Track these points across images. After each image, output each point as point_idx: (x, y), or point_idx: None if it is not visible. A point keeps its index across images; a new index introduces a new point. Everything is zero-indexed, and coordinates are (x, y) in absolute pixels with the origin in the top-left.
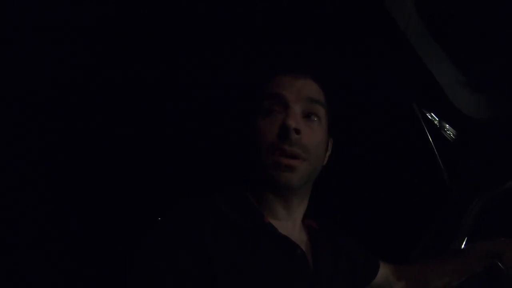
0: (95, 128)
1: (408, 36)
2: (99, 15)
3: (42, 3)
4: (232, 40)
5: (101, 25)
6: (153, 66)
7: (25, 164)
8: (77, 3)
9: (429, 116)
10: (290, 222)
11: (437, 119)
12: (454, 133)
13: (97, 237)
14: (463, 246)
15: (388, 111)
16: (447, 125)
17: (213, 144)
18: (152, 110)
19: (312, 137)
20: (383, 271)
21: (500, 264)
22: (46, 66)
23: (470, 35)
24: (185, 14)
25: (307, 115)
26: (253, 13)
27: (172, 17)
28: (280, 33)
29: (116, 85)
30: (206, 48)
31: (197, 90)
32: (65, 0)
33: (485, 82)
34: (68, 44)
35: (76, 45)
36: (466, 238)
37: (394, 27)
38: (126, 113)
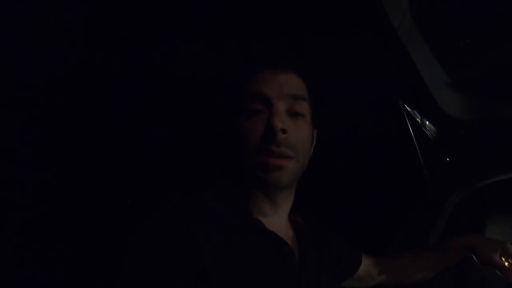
0: (82, 126)
1: (400, 33)
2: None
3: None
4: (213, 35)
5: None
6: (136, 63)
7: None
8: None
9: (412, 113)
10: (277, 218)
11: (419, 116)
12: (434, 131)
13: (83, 235)
14: (439, 240)
15: (374, 106)
16: (428, 123)
17: (199, 140)
18: (137, 108)
19: (299, 134)
20: (365, 264)
21: (474, 258)
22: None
23: (459, 39)
24: (166, 10)
25: (292, 113)
26: (235, 7)
27: (152, 13)
28: (266, 28)
29: (102, 85)
30: (187, 44)
31: (179, 86)
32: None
33: (470, 85)
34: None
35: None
36: (442, 233)
37: (387, 23)
38: (111, 113)
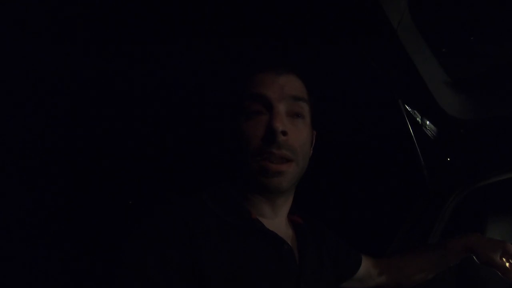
0: (86, 125)
1: (399, 33)
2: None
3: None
4: (213, 37)
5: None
6: (137, 65)
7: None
8: None
9: (412, 113)
10: (276, 219)
11: (419, 116)
12: (435, 131)
13: (85, 236)
14: (439, 240)
15: (374, 106)
16: (428, 122)
17: (200, 142)
18: (137, 110)
19: (299, 136)
20: (365, 265)
21: (475, 258)
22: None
23: (459, 38)
24: (166, 10)
25: (292, 114)
26: (236, 8)
27: (152, 13)
28: (265, 29)
29: (102, 86)
30: (187, 45)
31: (180, 88)
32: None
33: (470, 85)
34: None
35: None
36: (442, 233)
37: (386, 23)
38: (111, 114)
